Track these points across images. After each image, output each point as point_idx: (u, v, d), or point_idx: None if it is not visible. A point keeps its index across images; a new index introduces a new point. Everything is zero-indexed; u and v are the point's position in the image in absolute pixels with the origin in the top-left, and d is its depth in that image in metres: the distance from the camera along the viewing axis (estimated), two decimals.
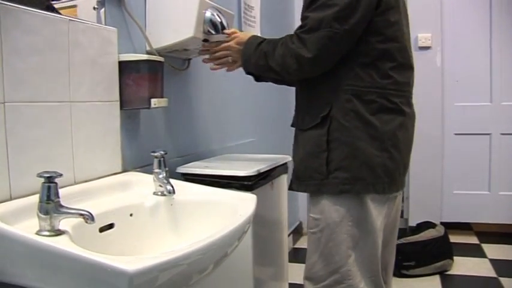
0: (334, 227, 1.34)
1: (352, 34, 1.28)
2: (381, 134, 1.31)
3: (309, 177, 1.38)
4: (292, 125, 1.51)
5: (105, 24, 1.34)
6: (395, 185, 1.37)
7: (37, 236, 0.84)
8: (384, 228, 1.39)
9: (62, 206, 0.88)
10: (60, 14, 1.17)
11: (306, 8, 1.33)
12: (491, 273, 2.79)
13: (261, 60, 1.40)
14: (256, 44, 1.44)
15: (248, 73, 1.61)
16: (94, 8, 1.32)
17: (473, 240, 3.42)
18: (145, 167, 1.47)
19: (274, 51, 1.36)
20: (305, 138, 1.39)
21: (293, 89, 1.54)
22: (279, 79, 1.59)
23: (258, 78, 1.68)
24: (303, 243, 3.45)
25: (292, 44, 1.32)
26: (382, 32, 1.30)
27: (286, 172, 1.95)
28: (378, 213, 1.35)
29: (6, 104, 1.00)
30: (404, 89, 1.37)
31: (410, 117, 1.41)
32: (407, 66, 1.37)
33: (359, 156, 1.30)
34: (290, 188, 1.52)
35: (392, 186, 1.36)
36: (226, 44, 1.53)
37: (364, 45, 1.29)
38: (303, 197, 3.57)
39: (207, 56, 1.62)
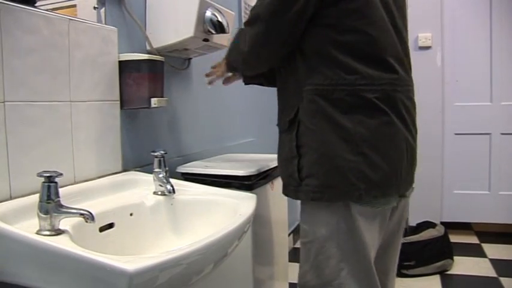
0: (324, 241, 1.23)
1: (291, 27, 1.19)
2: (353, 136, 1.17)
3: (287, 183, 1.31)
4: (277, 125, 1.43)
5: (105, 24, 1.34)
6: (380, 192, 1.20)
7: (37, 235, 0.84)
8: (383, 233, 1.30)
9: (62, 206, 0.88)
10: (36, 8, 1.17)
11: None
12: (492, 273, 2.79)
13: (237, 55, 1.40)
14: (233, 44, 1.44)
15: (248, 83, 1.61)
16: (94, 8, 1.32)
17: (473, 240, 3.42)
18: (145, 167, 1.47)
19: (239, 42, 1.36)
20: (280, 143, 1.34)
21: None
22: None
23: (263, 85, 1.59)
24: None
25: (237, 38, 1.36)
26: (337, 24, 1.16)
27: None
28: (367, 227, 1.22)
29: (6, 103, 1.00)
30: (380, 82, 1.19)
31: (398, 114, 1.22)
32: (382, 59, 1.20)
33: (326, 162, 1.19)
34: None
35: (375, 194, 1.19)
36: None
37: (320, 40, 1.18)
38: None
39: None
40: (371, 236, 1.24)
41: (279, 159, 1.36)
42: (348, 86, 1.17)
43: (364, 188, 1.17)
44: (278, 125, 1.38)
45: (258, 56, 1.30)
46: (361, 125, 1.17)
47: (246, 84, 1.62)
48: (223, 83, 1.63)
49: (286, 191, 1.34)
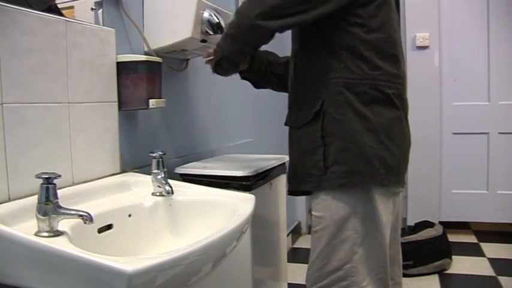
0: (341, 224, 1.31)
1: (322, 11, 1.24)
2: (374, 126, 1.28)
3: (307, 174, 1.35)
4: (285, 124, 1.49)
5: (103, 25, 1.34)
6: (394, 178, 1.33)
7: (36, 237, 0.84)
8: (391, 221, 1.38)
9: (60, 207, 0.88)
10: (62, 15, 1.17)
11: None
12: (490, 272, 2.79)
13: (223, 40, 1.38)
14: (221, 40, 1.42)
15: (244, 78, 1.62)
16: (92, 9, 1.32)
17: (472, 239, 3.42)
18: (143, 168, 1.47)
19: (231, 22, 1.36)
20: (299, 136, 1.37)
21: None
22: (250, 47, 1.46)
23: (256, 85, 1.68)
24: (301, 243, 3.46)
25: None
26: (365, 24, 1.27)
27: (284, 172, 1.95)
28: (384, 208, 1.33)
29: (4, 105, 1.00)
30: (396, 81, 1.33)
31: (404, 111, 1.37)
32: (397, 58, 1.34)
33: (354, 149, 1.28)
34: (289, 191, 1.52)
35: (391, 179, 1.32)
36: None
37: (349, 37, 1.27)
38: (301, 197, 3.56)
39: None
40: (386, 218, 1.34)
41: (296, 153, 1.39)
42: (371, 81, 1.28)
43: (384, 173, 1.29)
44: (290, 121, 1.43)
45: (281, 12, 1.25)
46: (381, 116, 1.29)
47: (242, 78, 1.63)
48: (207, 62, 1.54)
49: (301, 185, 1.38)
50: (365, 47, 1.27)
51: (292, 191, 1.53)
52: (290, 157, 1.44)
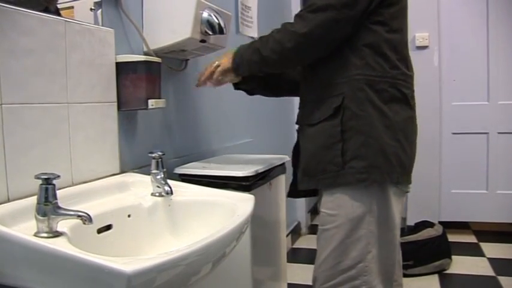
0: (357, 223, 1.32)
1: (356, 21, 1.28)
2: (393, 124, 1.30)
3: (322, 170, 1.34)
4: (297, 122, 1.48)
5: (102, 25, 1.34)
6: (406, 177, 1.36)
7: (35, 237, 0.84)
8: None
9: (59, 208, 0.88)
10: (60, 15, 1.17)
11: None
12: (490, 272, 2.79)
13: (255, 56, 1.38)
14: (248, 44, 1.43)
15: (238, 88, 1.63)
16: (91, 9, 1.32)
17: (472, 239, 3.42)
18: (143, 168, 1.47)
19: (267, 41, 1.35)
20: (315, 132, 1.36)
21: None
22: (277, 71, 1.55)
23: (251, 92, 1.68)
24: (301, 243, 3.45)
25: (292, 26, 1.31)
26: (388, 23, 1.30)
27: (284, 172, 1.95)
28: (396, 208, 1.34)
29: (3, 105, 1.00)
30: (410, 81, 1.37)
31: (415, 112, 1.41)
32: (409, 60, 1.38)
33: (374, 144, 1.29)
34: (290, 193, 1.51)
35: (405, 178, 1.35)
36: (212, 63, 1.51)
37: (372, 35, 1.30)
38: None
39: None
40: (398, 218, 1.37)
41: (310, 149, 1.38)
42: (391, 79, 1.31)
43: (400, 171, 1.32)
44: (303, 118, 1.43)
45: (319, 40, 1.30)
46: (398, 115, 1.32)
47: (236, 88, 1.64)
48: (216, 84, 1.55)
49: (313, 182, 1.38)
50: (386, 45, 1.30)
51: (293, 193, 1.52)
52: (303, 154, 1.43)
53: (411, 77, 1.38)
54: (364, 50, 1.30)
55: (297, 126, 1.51)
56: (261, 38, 1.40)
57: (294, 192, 1.57)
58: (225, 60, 1.47)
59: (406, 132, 1.34)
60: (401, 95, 1.33)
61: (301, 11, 1.33)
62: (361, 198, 1.31)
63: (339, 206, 1.33)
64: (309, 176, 1.39)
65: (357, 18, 1.27)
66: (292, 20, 1.34)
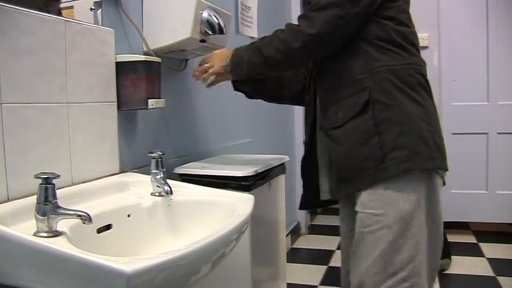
0: (409, 220, 1.24)
1: (361, 17, 1.26)
2: (425, 109, 1.28)
3: (359, 169, 1.28)
4: (321, 128, 1.43)
5: (102, 25, 1.34)
6: (446, 163, 1.33)
7: (35, 237, 0.84)
8: None
9: (59, 207, 0.88)
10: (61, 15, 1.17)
11: None
12: (489, 272, 2.79)
13: (256, 56, 1.35)
14: (247, 45, 1.41)
15: (238, 89, 1.61)
16: (91, 9, 1.32)
17: (471, 239, 3.42)
18: (142, 168, 1.47)
19: (271, 41, 1.32)
20: (345, 132, 1.30)
21: None
22: (278, 72, 1.53)
23: (250, 96, 1.65)
24: (301, 243, 3.46)
25: (297, 26, 1.29)
26: (396, 17, 1.30)
27: (284, 172, 1.95)
28: (441, 199, 1.32)
29: (3, 105, 1.00)
30: (426, 70, 1.36)
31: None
32: (419, 52, 1.38)
33: (412, 132, 1.25)
34: (303, 206, 1.52)
35: (444, 163, 1.32)
36: (208, 60, 1.51)
37: (382, 28, 1.29)
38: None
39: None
40: (441, 209, 1.34)
41: (343, 150, 1.32)
42: (413, 65, 1.31)
43: (439, 157, 1.30)
44: (326, 123, 1.38)
45: (326, 39, 1.29)
46: (425, 100, 1.30)
47: (235, 89, 1.62)
48: (209, 85, 1.55)
49: (351, 187, 1.32)
50: (399, 37, 1.30)
51: (304, 205, 1.52)
52: (334, 159, 1.37)
53: (425, 67, 1.37)
54: (381, 43, 1.29)
55: (301, 137, 1.49)
56: (262, 38, 1.38)
57: (305, 204, 1.56)
58: (217, 62, 1.45)
59: (436, 118, 1.33)
60: (424, 80, 1.32)
61: (304, 12, 1.32)
62: (409, 192, 1.24)
63: (387, 203, 1.25)
64: (345, 181, 1.33)
65: (362, 15, 1.26)
66: (292, 20, 1.34)
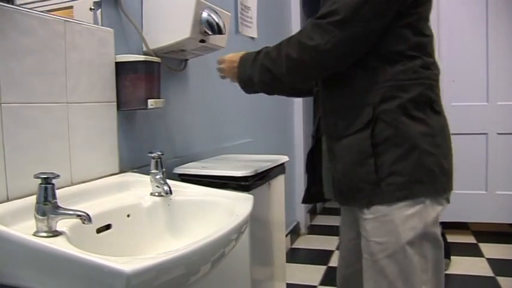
0: (409, 248, 1.17)
1: (383, 31, 1.16)
2: (431, 129, 1.19)
3: (356, 189, 1.22)
4: (324, 133, 1.35)
5: (102, 25, 1.34)
6: (451, 184, 1.25)
7: (34, 237, 0.84)
8: None
9: (59, 207, 0.88)
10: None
11: None
12: (489, 272, 2.80)
13: (265, 75, 1.27)
14: (253, 58, 1.31)
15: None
16: (91, 9, 1.32)
17: (471, 239, 3.42)
18: (142, 168, 1.47)
19: (279, 58, 1.22)
20: (343, 148, 1.23)
21: None
22: (290, 87, 1.49)
23: (247, 90, 1.42)
24: (300, 243, 3.46)
25: (311, 39, 1.15)
26: (415, 25, 1.18)
27: (283, 172, 1.95)
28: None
29: (2, 104, 1.00)
30: (439, 81, 1.26)
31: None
32: (436, 61, 1.27)
33: (414, 156, 1.16)
34: (306, 200, 1.48)
35: (449, 185, 1.24)
36: (221, 61, 1.45)
37: (398, 39, 1.17)
38: (300, 197, 3.57)
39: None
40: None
41: (343, 165, 1.24)
42: (426, 80, 1.20)
43: (445, 181, 1.21)
44: (328, 130, 1.30)
45: (343, 56, 1.18)
46: (434, 119, 1.21)
47: (249, 92, 1.42)
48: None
49: (350, 201, 1.27)
50: (414, 49, 1.18)
51: (306, 199, 1.48)
52: (333, 173, 1.30)
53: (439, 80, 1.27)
54: (389, 55, 1.18)
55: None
56: (268, 53, 1.27)
57: (307, 198, 1.51)
58: (227, 72, 1.42)
59: (445, 135, 1.24)
60: (436, 96, 1.22)
61: (320, 18, 1.15)
62: (409, 218, 1.17)
63: (388, 232, 1.19)
64: (344, 195, 1.28)
65: (384, 28, 1.15)
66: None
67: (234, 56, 1.40)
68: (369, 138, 1.18)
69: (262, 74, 1.27)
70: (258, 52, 1.31)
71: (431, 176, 1.18)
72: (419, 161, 1.17)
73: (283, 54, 1.21)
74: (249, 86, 1.35)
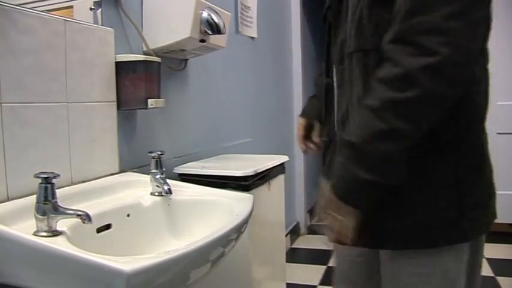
0: (455, 281, 1.01)
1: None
2: (485, 152, 1.06)
3: (429, 225, 0.99)
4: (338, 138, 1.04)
5: (102, 25, 1.34)
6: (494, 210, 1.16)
7: (34, 236, 0.84)
8: None
9: (59, 207, 0.88)
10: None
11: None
12: (489, 272, 2.79)
13: (382, 145, 0.85)
14: (346, 156, 0.88)
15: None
16: (91, 9, 1.32)
17: None
18: (142, 168, 1.47)
19: (388, 117, 0.84)
20: (414, 171, 0.95)
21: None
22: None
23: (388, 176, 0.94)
24: (300, 243, 3.46)
25: (420, 84, 0.83)
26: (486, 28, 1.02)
27: (283, 172, 1.95)
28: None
29: (3, 104, 1.00)
30: None
31: None
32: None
33: (493, 185, 1.05)
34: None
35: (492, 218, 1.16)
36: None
37: None
38: (300, 197, 3.57)
39: None
40: None
41: (404, 197, 0.96)
42: (483, 86, 1.05)
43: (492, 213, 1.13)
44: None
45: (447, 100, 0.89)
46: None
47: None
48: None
49: (413, 241, 0.98)
50: (484, 55, 1.04)
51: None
52: None
53: None
54: None
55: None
56: (360, 120, 0.88)
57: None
58: (337, 217, 0.91)
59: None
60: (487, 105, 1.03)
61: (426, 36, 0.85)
62: (460, 255, 1.02)
63: (439, 264, 1.00)
64: (408, 233, 1.00)
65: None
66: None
67: (326, 197, 0.92)
68: (452, 163, 1.00)
69: (381, 142, 0.85)
70: (347, 150, 0.88)
71: (494, 207, 1.12)
72: (494, 189, 1.11)
73: (394, 111, 0.84)
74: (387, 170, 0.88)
